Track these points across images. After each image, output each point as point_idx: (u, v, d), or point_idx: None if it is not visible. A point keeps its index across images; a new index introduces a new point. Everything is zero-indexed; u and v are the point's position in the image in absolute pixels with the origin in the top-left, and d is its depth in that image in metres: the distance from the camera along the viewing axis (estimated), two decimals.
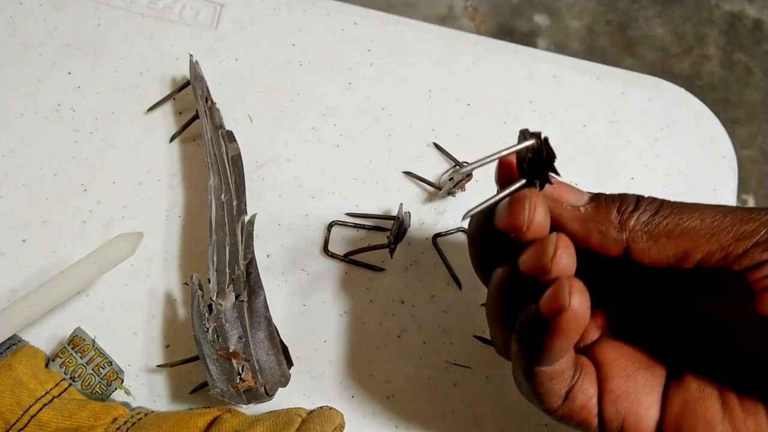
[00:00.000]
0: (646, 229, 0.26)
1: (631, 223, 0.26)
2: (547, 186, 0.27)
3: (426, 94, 0.47)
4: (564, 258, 0.25)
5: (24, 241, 0.40)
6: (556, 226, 0.27)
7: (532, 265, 0.26)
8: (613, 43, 0.94)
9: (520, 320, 0.27)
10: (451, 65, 0.48)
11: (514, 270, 0.27)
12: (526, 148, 0.27)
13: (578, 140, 0.46)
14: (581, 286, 0.25)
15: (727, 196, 0.46)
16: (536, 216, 0.26)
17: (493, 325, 0.31)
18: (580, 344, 0.31)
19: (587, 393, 0.28)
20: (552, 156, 0.27)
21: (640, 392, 0.28)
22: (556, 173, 0.27)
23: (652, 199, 0.27)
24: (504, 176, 0.29)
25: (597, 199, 0.27)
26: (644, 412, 0.28)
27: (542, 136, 0.27)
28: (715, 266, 0.26)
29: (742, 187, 0.88)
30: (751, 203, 0.88)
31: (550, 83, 0.48)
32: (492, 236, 0.29)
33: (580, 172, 0.45)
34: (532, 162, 0.27)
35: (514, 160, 0.28)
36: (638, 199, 0.27)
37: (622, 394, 0.28)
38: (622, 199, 0.27)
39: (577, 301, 0.24)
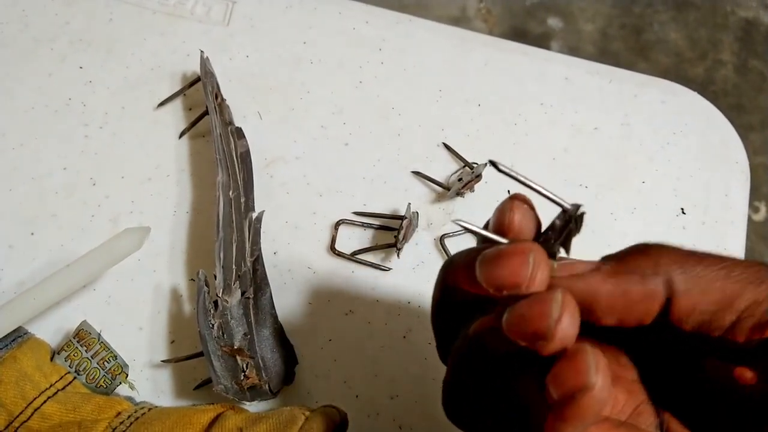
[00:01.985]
0: (681, 270, 0.22)
1: (663, 260, 0.22)
2: (558, 265, 0.23)
3: (436, 94, 0.46)
4: (569, 323, 0.20)
5: (32, 234, 0.41)
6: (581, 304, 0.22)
7: (526, 328, 0.21)
8: (626, 47, 0.94)
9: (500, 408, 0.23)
10: (462, 65, 0.47)
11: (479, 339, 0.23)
12: (563, 210, 0.24)
13: (589, 143, 0.46)
14: (603, 357, 0.20)
15: (739, 203, 0.45)
16: (539, 273, 0.21)
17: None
18: None
19: None
20: (577, 231, 0.24)
21: None
22: (568, 251, 0.24)
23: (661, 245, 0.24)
24: (518, 207, 0.24)
25: (606, 258, 0.23)
26: None
27: (581, 211, 0.24)
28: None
29: (755, 194, 0.87)
30: (763, 210, 0.87)
31: (562, 85, 0.47)
32: (458, 300, 0.24)
33: (591, 175, 0.45)
34: (557, 226, 0.24)
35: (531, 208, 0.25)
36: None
37: None
38: (635, 248, 0.23)
39: (603, 379, 0.20)
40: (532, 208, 0.24)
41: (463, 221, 0.23)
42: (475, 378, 0.25)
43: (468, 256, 0.23)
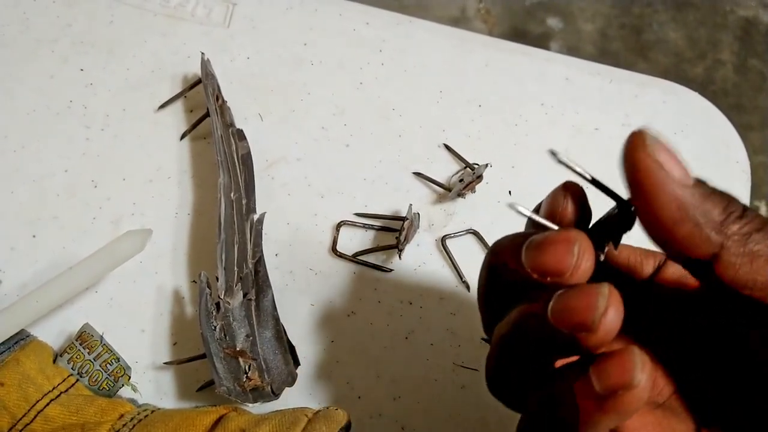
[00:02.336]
0: (746, 242, 0.22)
1: (734, 228, 0.22)
2: (654, 141, 0.22)
3: (437, 95, 0.46)
4: (614, 317, 0.21)
5: (34, 236, 0.41)
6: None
7: (571, 318, 0.21)
8: (626, 47, 0.94)
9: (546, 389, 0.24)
10: (462, 66, 0.47)
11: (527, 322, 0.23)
12: (618, 203, 0.24)
13: (590, 143, 0.46)
14: (646, 356, 0.21)
15: None
16: (583, 262, 0.22)
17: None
18: None
19: None
20: (629, 227, 0.24)
21: None
22: (616, 246, 0.24)
23: (757, 214, 0.23)
24: (573, 194, 0.25)
25: (703, 186, 0.23)
26: None
27: (633, 208, 0.24)
28: None
29: (755, 193, 0.87)
30: (763, 210, 0.87)
31: (562, 85, 0.48)
32: (506, 286, 0.25)
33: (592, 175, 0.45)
34: (608, 219, 0.24)
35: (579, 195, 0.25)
36: (745, 208, 0.23)
37: None
38: (730, 200, 0.23)
39: (646, 378, 0.20)
40: (583, 197, 0.25)
41: (519, 205, 0.23)
42: (516, 359, 0.25)
43: (515, 239, 0.24)
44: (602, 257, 0.24)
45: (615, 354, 0.21)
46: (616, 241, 0.24)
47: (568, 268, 0.22)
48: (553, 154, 0.23)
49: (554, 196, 0.25)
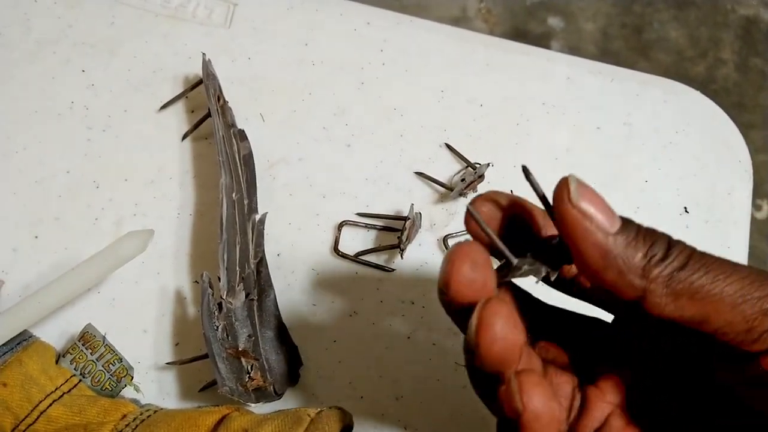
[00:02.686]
0: (668, 283, 0.23)
1: (654, 273, 0.23)
2: (579, 189, 0.23)
3: (438, 95, 0.46)
4: (499, 330, 0.22)
5: (36, 237, 0.41)
6: (572, 246, 0.24)
7: (468, 342, 0.22)
8: (627, 46, 0.94)
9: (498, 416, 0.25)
10: (463, 66, 0.47)
11: None
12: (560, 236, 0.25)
13: (591, 142, 0.46)
14: (537, 379, 0.22)
15: (742, 201, 0.45)
16: (455, 276, 0.23)
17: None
18: (589, 425, 0.27)
19: None
20: (570, 261, 0.25)
21: None
22: (555, 271, 0.25)
23: (683, 248, 0.24)
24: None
25: (627, 230, 0.24)
26: None
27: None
28: (733, 341, 0.23)
29: (757, 192, 0.87)
30: (765, 208, 0.87)
31: (564, 85, 0.47)
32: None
33: (593, 174, 0.45)
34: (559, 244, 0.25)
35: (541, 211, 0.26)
36: (669, 245, 0.24)
37: None
38: (653, 240, 0.24)
39: (538, 402, 0.21)
40: (499, 208, 0.26)
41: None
42: (475, 379, 0.27)
43: None
44: (553, 277, 0.25)
45: (504, 382, 0.22)
46: (555, 268, 0.25)
47: (448, 282, 0.23)
48: (525, 170, 0.24)
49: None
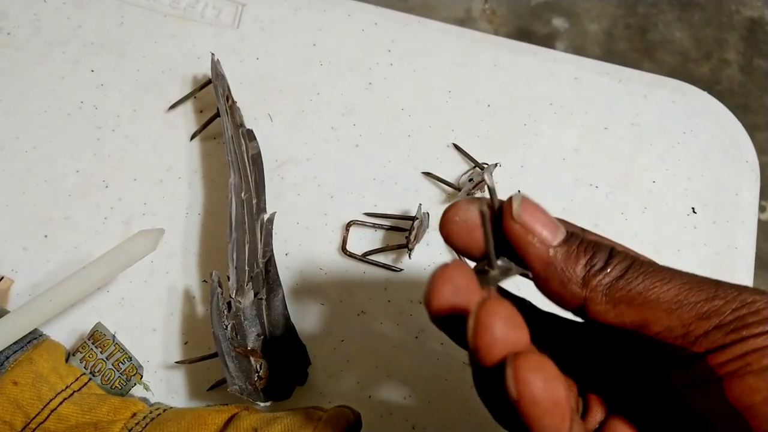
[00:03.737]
0: (607, 291, 0.24)
1: (594, 282, 0.24)
2: (523, 203, 0.24)
3: (446, 95, 0.47)
4: (498, 329, 0.21)
5: (46, 236, 0.41)
6: (521, 257, 0.25)
7: (468, 338, 0.22)
8: (632, 47, 0.94)
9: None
10: (471, 66, 0.48)
11: None
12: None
13: (599, 143, 0.46)
14: (541, 360, 0.21)
15: (750, 202, 0.45)
16: (438, 287, 0.23)
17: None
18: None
19: None
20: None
21: None
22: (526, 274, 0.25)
23: (624, 257, 0.25)
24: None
25: (569, 243, 0.25)
26: None
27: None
28: (674, 343, 0.24)
29: (761, 193, 0.87)
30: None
31: (571, 85, 0.48)
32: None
33: (601, 175, 0.45)
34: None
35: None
36: (610, 255, 0.25)
37: None
38: (594, 251, 0.25)
39: (540, 388, 0.20)
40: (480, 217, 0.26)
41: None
42: (479, 381, 0.27)
43: None
44: (530, 275, 0.25)
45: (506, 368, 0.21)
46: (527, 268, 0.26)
47: (429, 304, 0.23)
48: (488, 185, 0.25)
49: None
